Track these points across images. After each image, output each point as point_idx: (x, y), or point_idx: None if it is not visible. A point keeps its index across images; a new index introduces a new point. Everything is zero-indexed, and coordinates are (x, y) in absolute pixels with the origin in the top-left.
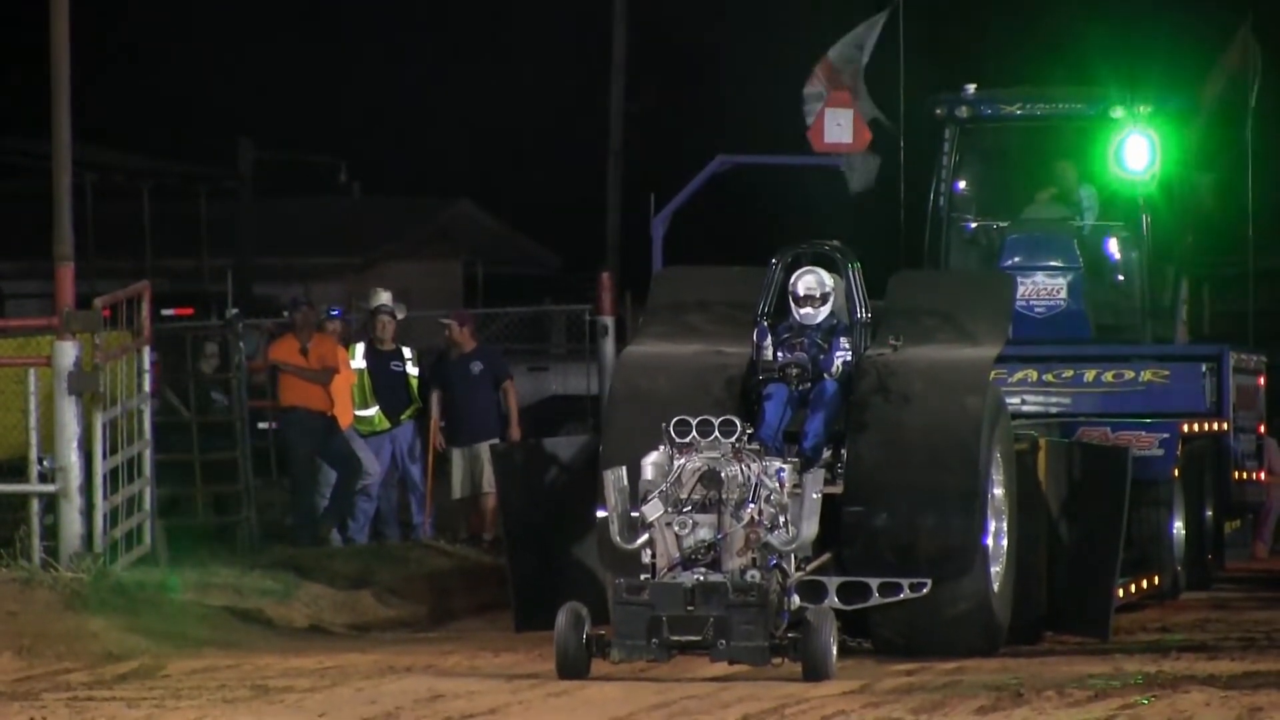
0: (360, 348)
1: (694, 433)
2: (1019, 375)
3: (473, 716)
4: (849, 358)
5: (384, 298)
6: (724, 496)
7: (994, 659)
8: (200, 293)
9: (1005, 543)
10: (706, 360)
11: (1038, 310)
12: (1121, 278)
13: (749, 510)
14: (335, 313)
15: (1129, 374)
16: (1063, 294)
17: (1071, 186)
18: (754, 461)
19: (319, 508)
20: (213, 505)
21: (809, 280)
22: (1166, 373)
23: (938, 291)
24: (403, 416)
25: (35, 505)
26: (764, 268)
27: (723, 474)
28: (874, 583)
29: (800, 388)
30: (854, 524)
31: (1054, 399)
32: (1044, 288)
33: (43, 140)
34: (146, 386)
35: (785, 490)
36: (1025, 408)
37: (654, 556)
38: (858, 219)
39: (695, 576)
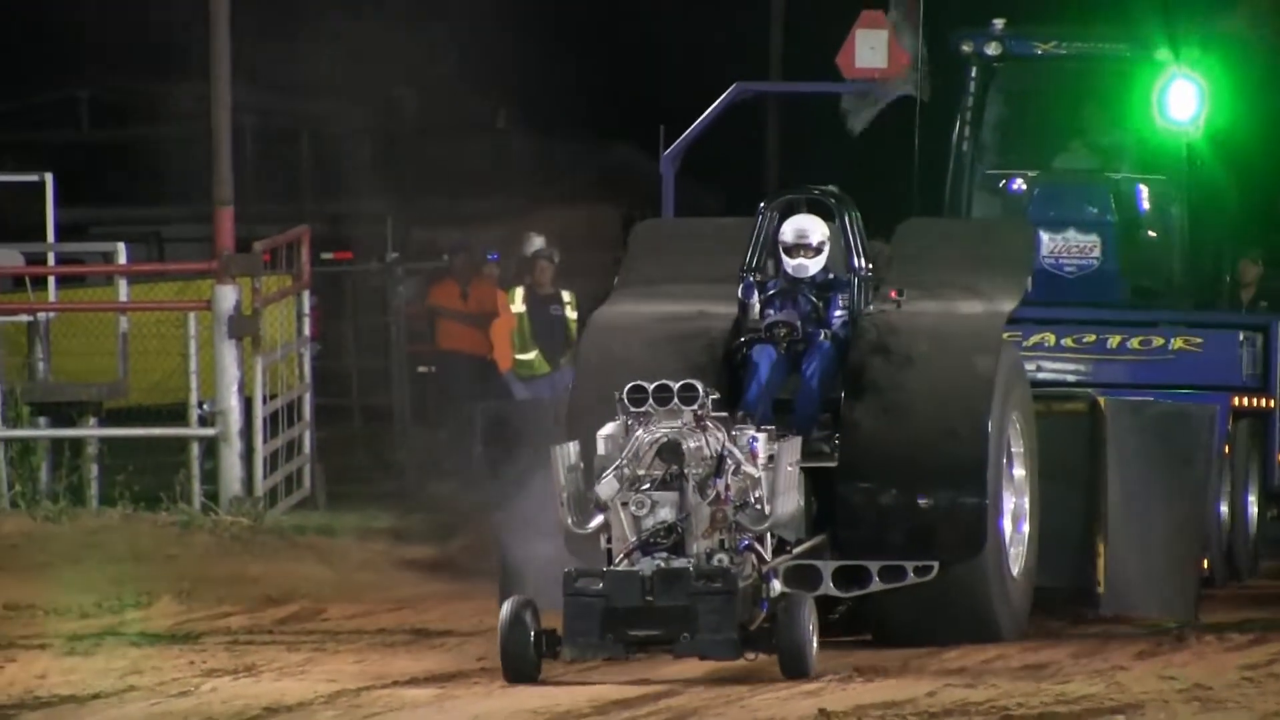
0: (520, 291)
1: (651, 400)
2: (1035, 339)
3: None
4: (846, 316)
5: (538, 243)
6: (686, 471)
7: None
8: (360, 237)
9: (1027, 523)
10: (687, 322)
11: (1068, 269)
12: (1159, 235)
13: (715, 486)
14: (494, 257)
15: (1158, 341)
16: (1096, 252)
17: (1108, 134)
18: (720, 431)
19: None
20: (372, 449)
21: (801, 227)
22: (1200, 340)
23: (949, 242)
24: (562, 360)
25: (195, 449)
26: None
27: (684, 446)
28: (874, 566)
29: (791, 349)
30: (850, 501)
31: (1072, 366)
32: (1075, 244)
33: (202, 83)
34: (306, 330)
35: (759, 463)
36: (1041, 374)
37: (610, 541)
38: (891, 159)
39: (655, 562)
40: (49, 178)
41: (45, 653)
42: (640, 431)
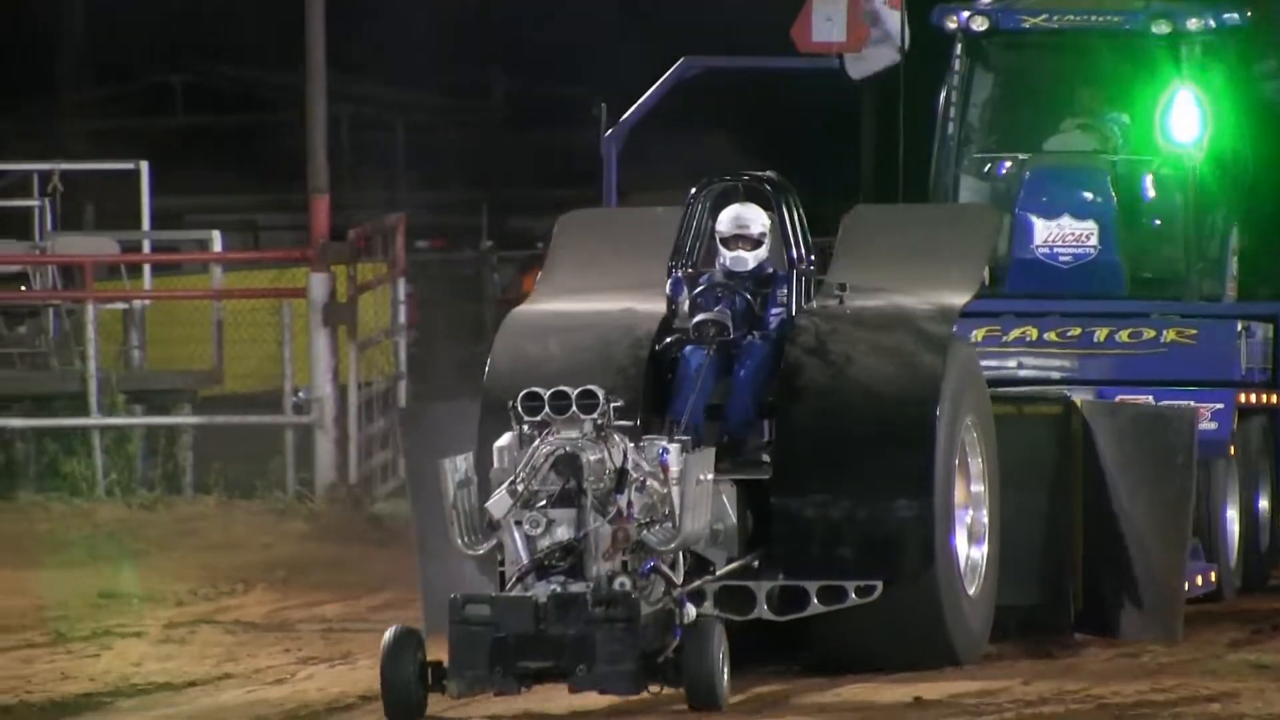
0: None
1: (547, 408)
2: (1016, 333)
3: None
4: (784, 314)
5: None
6: (585, 486)
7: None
8: (454, 225)
9: (987, 539)
10: (611, 320)
11: (1063, 259)
12: (1161, 221)
13: (617, 502)
14: None
15: (1149, 333)
16: (1093, 240)
17: (1104, 114)
18: (624, 442)
19: None
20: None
21: (740, 217)
22: (1194, 332)
23: (900, 231)
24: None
25: (290, 437)
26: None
27: (582, 458)
28: (812, 587)
29: (723, 350)
30: (785, 515)
31: (1057, 362)
32: (1071, 232)
33: (298, 73)
34: (400, 318)
35: (670, 476)
36: (1023, 372)
37: (502, 563)
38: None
39: (551, 587)
40: (144, 165)
41: (141, 640)
42: (537, 443)
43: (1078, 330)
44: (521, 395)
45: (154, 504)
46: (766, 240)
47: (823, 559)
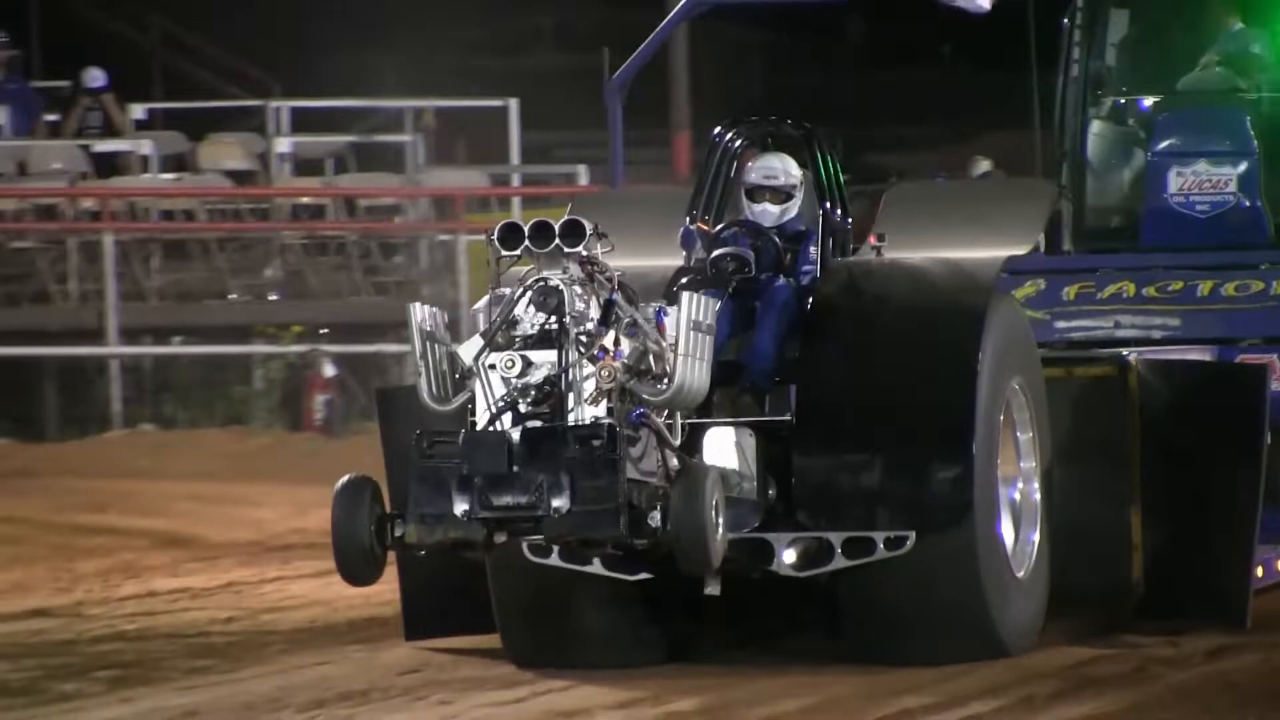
0: None
1: (527, 241)
2: (1112, 289)
3: None
4: (815, 271)
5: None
6: (565, 322)
7: None
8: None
9: (1039, 517)
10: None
11: (1200, 208)
12: None
13: (602, 337)
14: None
15: (1256, 285)
16: (1232, 186)
17: (1243, 46)
18: (614, 284)
19: None
20: None
21: (768, 166)
22: None
23: (951, 200)
24: None
25: None
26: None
27: (565, 292)
28: (837, 539)
29: (744, 295)
30: (808, 466)
31: (1158, 320)
32: (1207, 179)
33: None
34: None
35: (665, 337)
36: (1120, 332)
37: (473, 414)
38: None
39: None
40: (514, 102)
41: None
42: (514, 287)
43: (1179, 284)
44: (500, 226)
45: None
46: (797, 195)
47: (850, 511)
